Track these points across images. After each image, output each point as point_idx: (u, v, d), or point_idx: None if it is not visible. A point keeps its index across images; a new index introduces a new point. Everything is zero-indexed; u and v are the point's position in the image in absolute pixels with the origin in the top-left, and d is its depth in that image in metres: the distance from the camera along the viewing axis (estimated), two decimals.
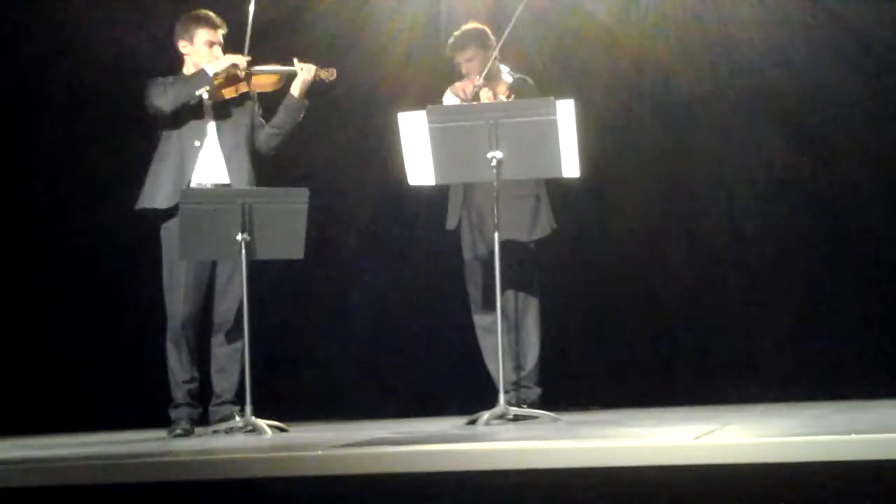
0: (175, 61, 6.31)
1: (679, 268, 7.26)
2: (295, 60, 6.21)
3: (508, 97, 6.01)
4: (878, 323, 6.93)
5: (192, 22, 6.21)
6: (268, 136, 6.27)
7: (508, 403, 5.60)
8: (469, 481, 3.79)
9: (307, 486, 3.90)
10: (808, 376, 6.81)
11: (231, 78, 6.13)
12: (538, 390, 6.11)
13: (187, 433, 5.99)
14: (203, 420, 6.16)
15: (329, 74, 6.25)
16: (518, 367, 6.09)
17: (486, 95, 5.99)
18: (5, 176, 7.45)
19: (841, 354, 6.89)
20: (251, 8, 6.05)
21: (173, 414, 6.09)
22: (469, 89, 6.02)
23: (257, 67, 6.19)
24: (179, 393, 6.08)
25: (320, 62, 6.26)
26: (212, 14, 6.21)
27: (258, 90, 6.26)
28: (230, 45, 6.22)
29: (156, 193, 6.07)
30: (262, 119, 6.31)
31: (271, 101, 6.34)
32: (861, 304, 6.95)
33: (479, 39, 6.20)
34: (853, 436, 3.65)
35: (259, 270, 6.06)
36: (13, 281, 7.44)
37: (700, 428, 4.51)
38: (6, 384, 7.24)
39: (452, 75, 6.23)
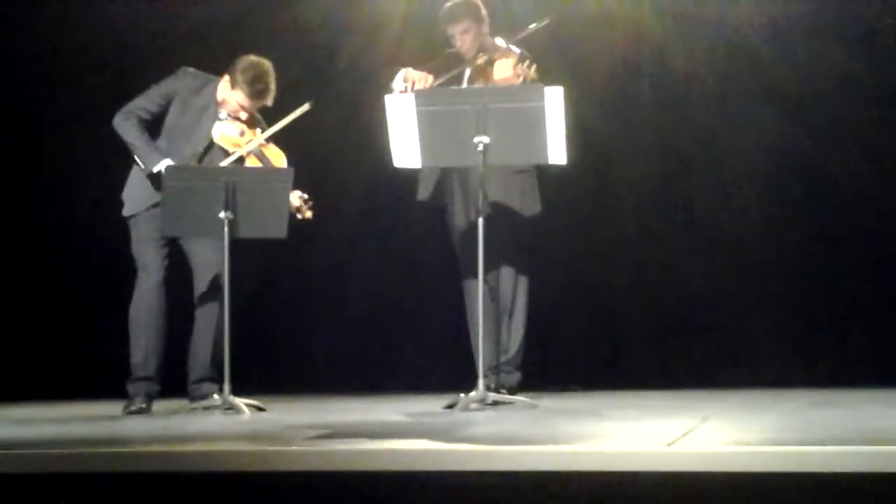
0: (182, 56, 6.32)
1: (670, 249, 7.25)
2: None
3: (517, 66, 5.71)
4: (868, 310, 6.92)
5: (244, 75, 6.01)
6: None
7: (488, 388, 5.58)
8: (442, 481, 3.76)
9: (274, 480, 3.86)
10: (793, 363, 6.84)
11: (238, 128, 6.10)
12: (518, 375, 6.08)
13: (142, 411, 5.93)
14: (184, 395, 6.13)
15: (304, 211, 6.11)
16: (501, 351, 6.04)
17: (501, 67, 5.85)
18: None
19: (828, 342, 6.90)
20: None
21: (130, 389, 6.02)
22: (426, 83, 5.86)
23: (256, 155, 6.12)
24: (138, 367, 6.01)
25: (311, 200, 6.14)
26: (266, 85, 6.01)
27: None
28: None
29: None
30: None
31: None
32: (855, 289, 6.95)
33: (473, 12, 6.11)
34: (830, 447, 3.64)
35: (242, 248, 6.02)
36: None
37: (677, 424, 4.49)
38: None
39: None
